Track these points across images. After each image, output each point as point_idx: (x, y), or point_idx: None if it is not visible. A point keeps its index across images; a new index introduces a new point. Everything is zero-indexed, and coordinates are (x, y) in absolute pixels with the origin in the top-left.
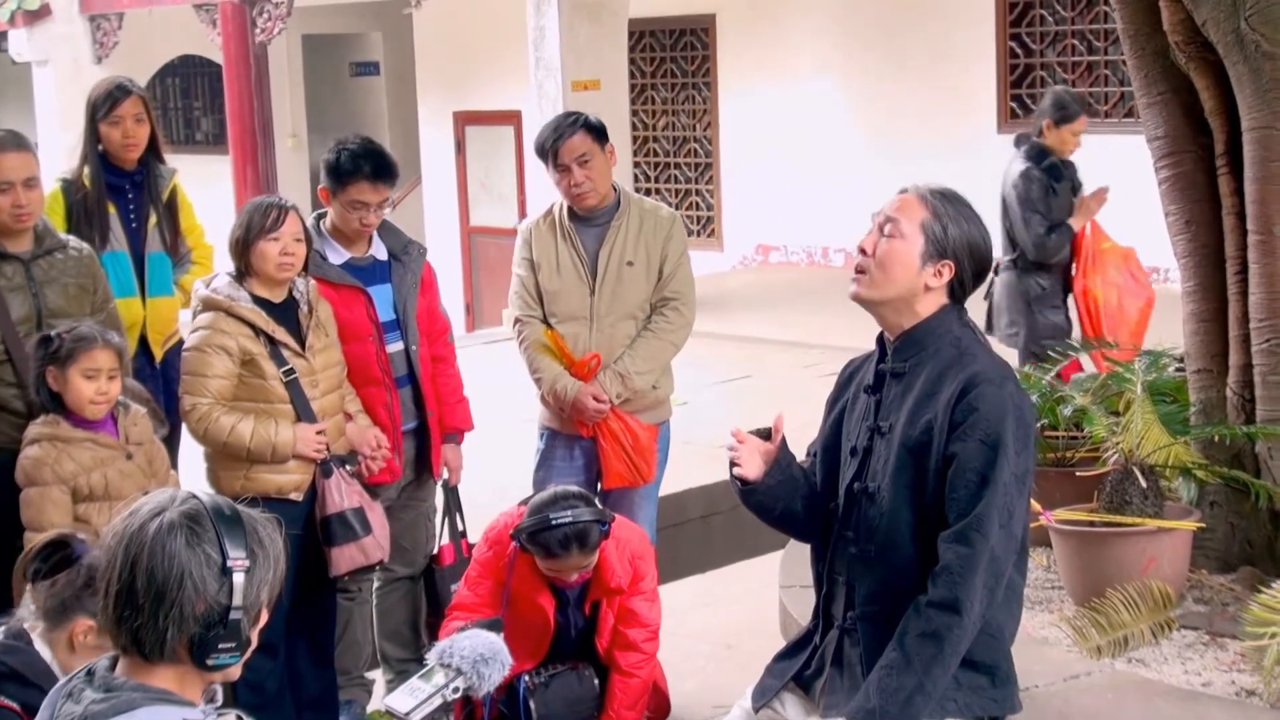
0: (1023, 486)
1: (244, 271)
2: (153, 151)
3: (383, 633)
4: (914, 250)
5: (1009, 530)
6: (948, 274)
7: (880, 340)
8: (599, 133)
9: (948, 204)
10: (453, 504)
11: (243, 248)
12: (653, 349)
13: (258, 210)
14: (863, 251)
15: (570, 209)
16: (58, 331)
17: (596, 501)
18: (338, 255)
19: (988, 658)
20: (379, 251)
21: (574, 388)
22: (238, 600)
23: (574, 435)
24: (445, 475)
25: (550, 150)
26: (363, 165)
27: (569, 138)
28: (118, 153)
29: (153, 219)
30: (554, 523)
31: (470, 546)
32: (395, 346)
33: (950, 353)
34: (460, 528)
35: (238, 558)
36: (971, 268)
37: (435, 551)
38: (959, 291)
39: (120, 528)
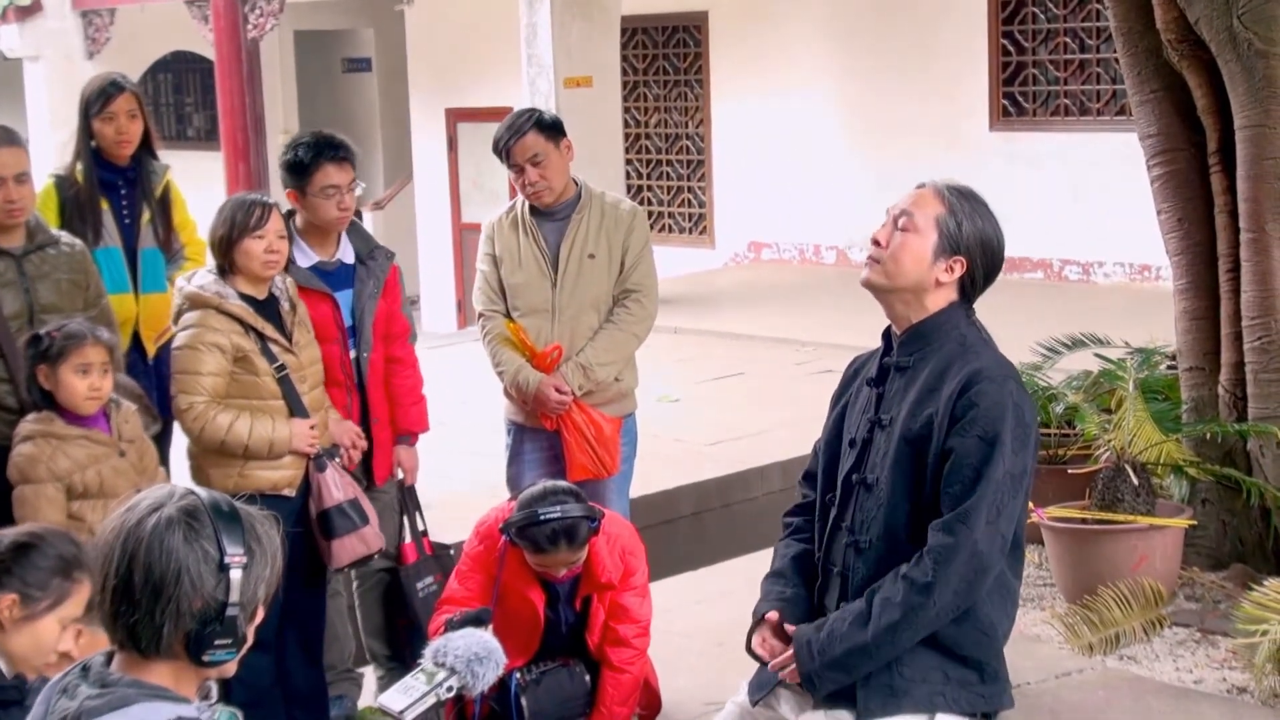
0: (1018, 485)
1: (227, 269)
2: (146, 147)
3: (367, 630)
4: (927, 244)
5: (995, 526)
6: (959, 270)
7: (886, 334)
8: (553, 130)
9: (964, 201)
10: (410, 504)
11: (227, 246)
12: (615, 340)
13: (240, 208)
14: (876, 243)
15: (531, 204)
16: (47, 330)
17: (586, 498)
18: (305, 258)
19: (978, 654)
20: (346, 255)
21: (535, 380)
22: (234, 597)
23: (539, 429)
24: (400, 475)
25: (504, 150)
26: (322, 151)
27: (521, 138)
28: (111, 149)
29: (146, 215)
30: (542, 518)
31: (432, 545)
32: (351, 353)
33: (954, 349)
34: (421, 527)
35: (235, 554)
36: (983, 265)
37: (396, 550)
38: (969, 289)
39: (118, 523)
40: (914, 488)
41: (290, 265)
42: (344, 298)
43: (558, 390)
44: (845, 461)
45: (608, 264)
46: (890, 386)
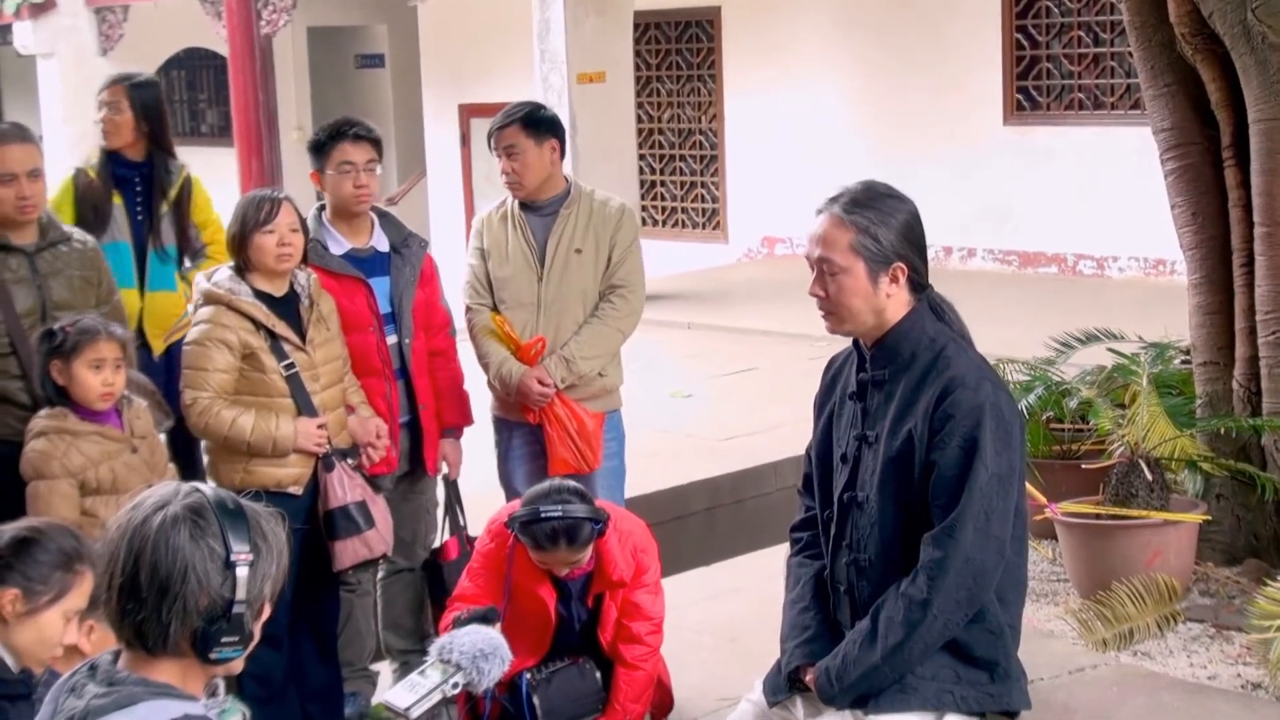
0: (1006, 486)
1: (243, 266)
2: (161, 146)
3: (385, 623)
4: (860, 277)
5: (986, 532)
6: (902, 275)
7: (857, 345)
8: (538, 128)
9: (866, 210)
10: (453, 498)
11: (240, 243)
12: (599, 335)
13: (251, 204)
14: (817, 296)
15: (521, 201)
16: (61, 325)
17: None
18: (338, 245)
19: (987, 654)
20: (380, 243)
21: (519, 371)
22: (241, 594)
23: (525, 424)
24: (445, 470)
25: (490, 135)
26: (341, 130)
27: (503, 129)
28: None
29: (161, 212)
30: (543, 515)
31: (471, 540)
32: (390, 340)
33: (927, 356)
34: (461, 522)
35: (241, 551)
36: (917, 255)
37: (439, 546)
38: (919, 278)
39: (124, 521)
40: (903, 503)
41: (323, 252)
42: (379, 285)
43: (540, 382)
44: (839, 478)
45: (594, 259)
46: (871, 401)
